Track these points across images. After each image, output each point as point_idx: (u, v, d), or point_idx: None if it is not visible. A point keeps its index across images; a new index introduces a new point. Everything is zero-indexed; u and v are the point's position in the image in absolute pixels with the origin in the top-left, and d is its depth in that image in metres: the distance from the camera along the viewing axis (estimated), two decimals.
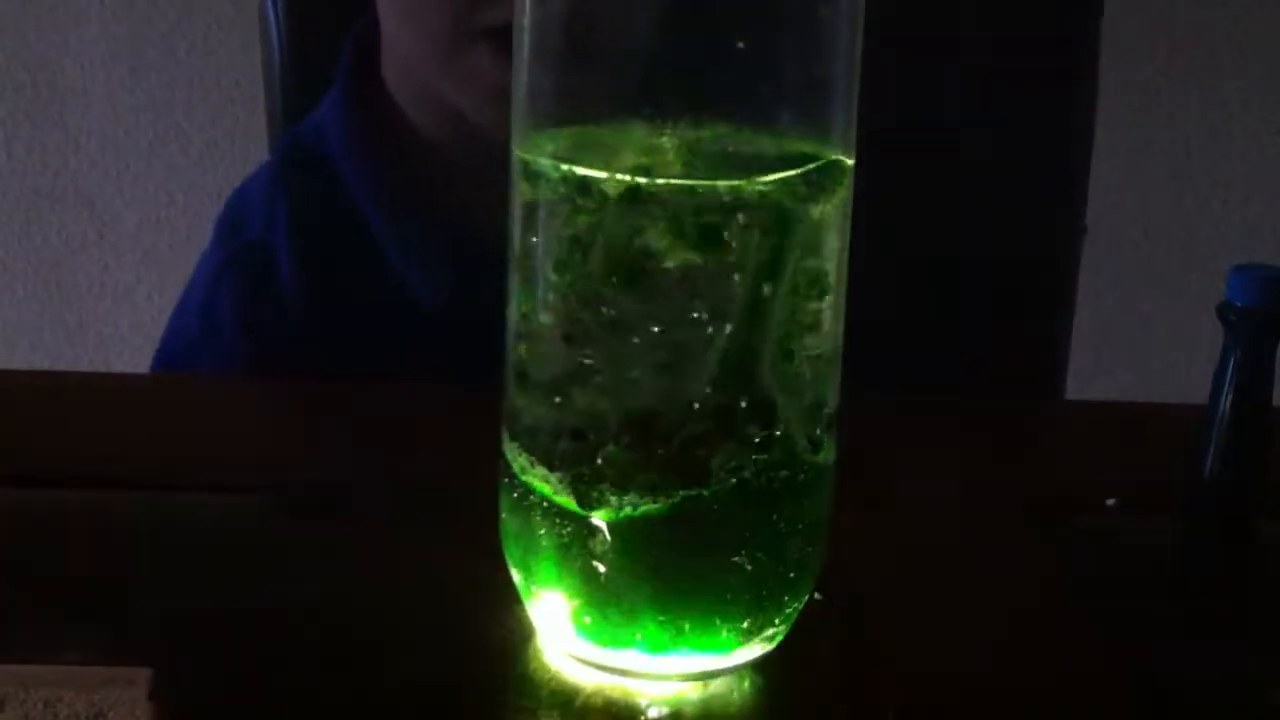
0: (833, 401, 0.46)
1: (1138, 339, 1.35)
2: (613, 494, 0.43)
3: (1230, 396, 0.59)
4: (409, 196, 0.73)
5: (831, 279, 0.44)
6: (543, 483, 0.44)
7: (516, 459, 0.45)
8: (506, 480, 0.46)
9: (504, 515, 0.47)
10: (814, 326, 0.44)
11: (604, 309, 0.43)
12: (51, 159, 1.46)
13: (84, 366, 1.45)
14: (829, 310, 0.44)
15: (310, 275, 0.73)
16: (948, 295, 0.86)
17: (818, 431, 0.45)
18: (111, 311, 1.49)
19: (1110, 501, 0.61)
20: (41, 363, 1.46)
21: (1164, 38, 1.38)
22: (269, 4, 0.87)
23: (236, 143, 1.43)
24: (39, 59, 1.44)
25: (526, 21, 0.44)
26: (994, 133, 0.88)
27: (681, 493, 0.43)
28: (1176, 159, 1.42)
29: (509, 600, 0.47)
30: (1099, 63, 0.91)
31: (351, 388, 0.69)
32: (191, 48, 1.42)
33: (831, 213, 0.44)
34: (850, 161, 0.45)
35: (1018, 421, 0.73)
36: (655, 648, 0.44)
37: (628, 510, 0.43)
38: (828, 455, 0.46)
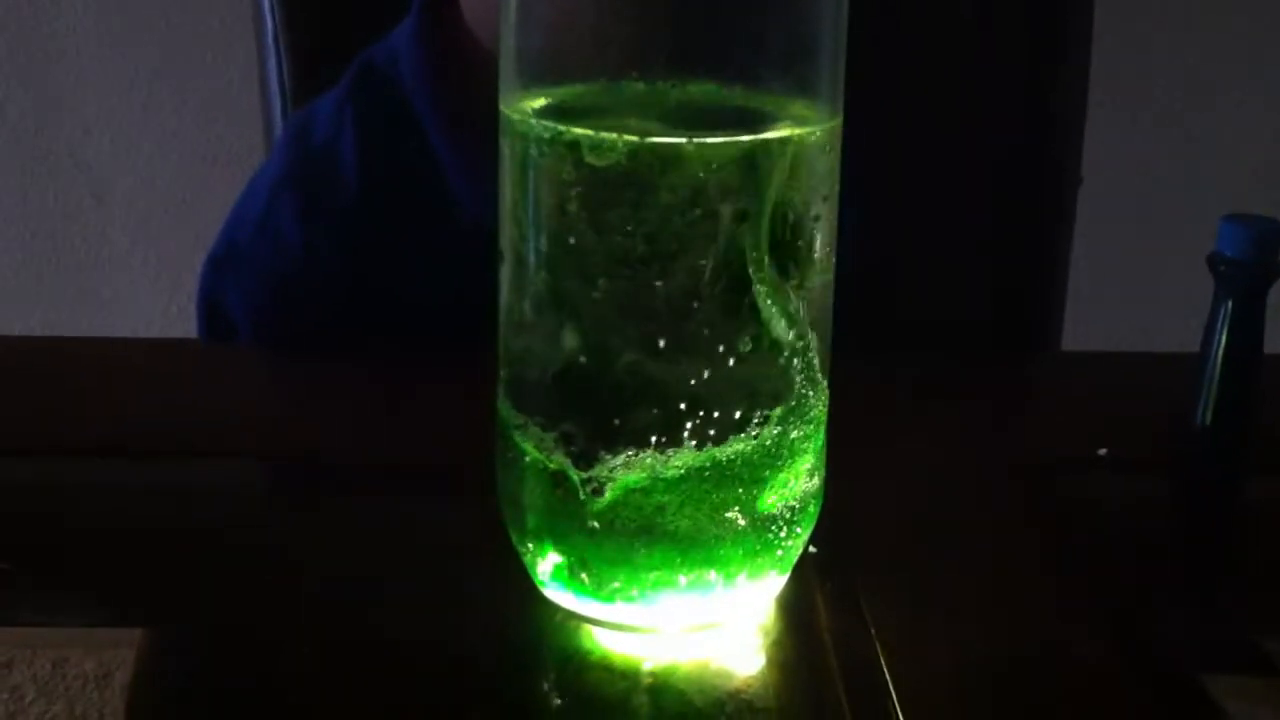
0: (825, 356, 0.46)
1: (1133, 288, 1.36)
2: (606, 450, 0.44)
3: (1221, 346, 0.60)
4: (474, 118, 0.74)
5: (821, 234, 0.45)
6: (536, 440, 0.45)
7: (510, 417, 0.46)
8: (501, 439, 0.47)
9: (499, 474, 0.47)
10: (804, 282, 0.44)
11: (594, 265, 0.43)
12: (46, 123, 1.46)
13: (81, 332, 1.45)
14: (819, 265, 0.45)
15: (371, 187, 0.75)
16: (943, 246, 0.86)
17: (812, 387, 0.45)
18: (110, 277, 1.49)
19: (1101, 451, 0.61)
20: (38, 329, 1.46)
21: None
22: None
23: (232, 106, 1.42)
24: (30, 20, 1.44)
25: None
26: (987, 84, 0.88)
27: (675, 449, 0.43)
28: (1170, 109, 1.42)
29: (508, 560, 0.48)
30: (1093, 11, 0.91)
31: (351, 360, 0.70)
32: (184, 8, 1.42)
33: (820, 166, 0.44)
34: (838, 119, 0.45)
35: (1011, 372, 0.74)
36: (650, 602, 0.45)
37: (621, 467, 0.43)
38: (822, 409, 0.46)
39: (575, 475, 0.44)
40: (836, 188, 0.45)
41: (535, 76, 0.45)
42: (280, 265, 0.75)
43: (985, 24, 0.89)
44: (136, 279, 1.48)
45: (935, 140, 0.85)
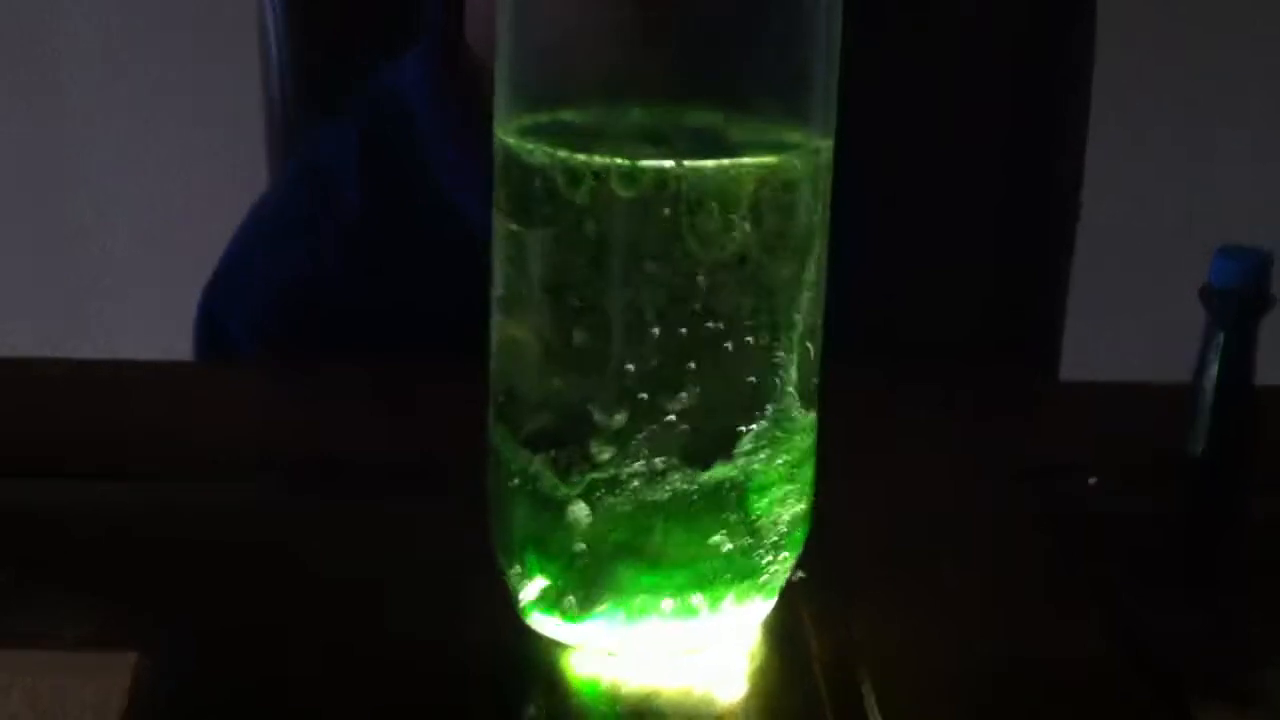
0: (815, 381, 0.46)
1: (1132, 315, 1.36)
2: (594, 473, 0.44)
3: (1214, 377, 0.60)
4: (479, 137, 0.75)
5: (813, 259, 0.45)
6: (524, 463, 0.45)
7: (500, 439, 0.46)
8: (491, 461, 0.47)
9: (490, 496, 0.47)
10: (796, 305, 0.44)
11: (582, 289, 0.43)
12: (48, 139, 1.47)
13: (84, 351, 1.46)
14: (810, 289, 0.45)
15: (374, 205, 0.77)
16: (942, 269, 0.87)
17: (800, 412, 0.45)
18: (112, 293, 1.49)
19: (1092, 480, 0.61)
20: (38, 348, 1.46)
21: (1157, 26, 1.39)
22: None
23: (236, 123, 1.43)
24: (32, 35, 1.45)
25: (509, 3, 0.44)
26: (986, 111, 0.89)
27: (663, 472, 0.43)
28: (1167, 141, 1.42)
29: (495, 583, 0.48)
30: (1094, 44, 0.92)
31: (352, 372, 0.70)
32: (187, 24, 1.42)
33: (813, 193, 0.45)
34: (829, 144, 0.45)
35: (1006, 399, 0.74)
36: (636, 626, 0.45)
37: (608, 490, 0.44)
38: (810, 434, 0.46)
39: (562, 497, 0.44)
40: (828, 214, 0.45)
41: (529, 100, 0.45)
42: (284, 282, 0.76)
43: (985, 51, 0.89)
44: (138, 297, 1.48)
45: (936, 164, 0.86)
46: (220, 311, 0.77)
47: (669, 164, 0.42)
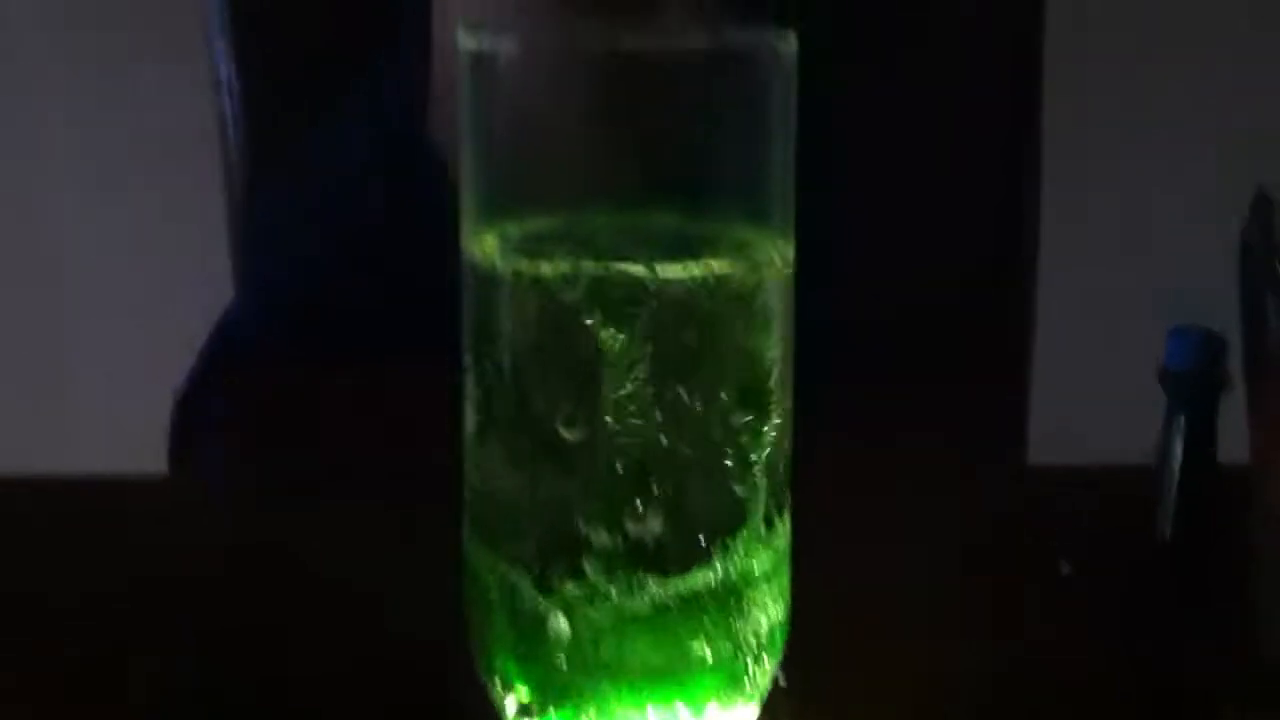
0: (787, 485, 0.46)
1: (1097, 393, 1.37)
2: (573, 586, 0.43)
3: (1177, 460, 0.60)
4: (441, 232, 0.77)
5: (776, 361, 0.45)
6: (502, 574, 0.45)
7: (475, 553, 0.46)
8: (467, 576, 0.46)
9: (467, 610, 0.47)
10: (768, 414, 0.45)
11: (550, 400, 0.43)
12: (19, 228, 1.46)
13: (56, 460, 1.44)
14: (778, 396, 0.45)
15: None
16: (904, 355, 0.87)
17: (775, 517, 0.45)
18: (83, 392, 1.48)
19: (1065, 570, 0.61)
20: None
21: (1109, 102, 1.42)
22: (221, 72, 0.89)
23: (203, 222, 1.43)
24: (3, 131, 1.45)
25: (467, 115, 0.44)
26: (945, 185, 0.90)
27: (641, 583, 0.43)
28: (1125, 210, 1.45)
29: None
30: (1041, 129, 0.94)
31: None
32: (152, 112, 1.43)
33: (772, 297, 0.45)
34: (789, 247, 0.46)
35: (972, 485, 0.74)
36: None
37: (588, 602, 0.43)
38: (785, 539, 0.46)
39: (541, 610, 0.44)
40: (792, 320, 0.46)
41: (495, 210, 0.45)
42: (239, 338, 0.75)
43: (942, 140, 0.91)
44: (111, 395, 1.46)
45: (891, 247, 0.87)
46: (191, 418, 0.77)
47: (637, 271, 0.43)
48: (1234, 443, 0.62)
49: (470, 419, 0.46)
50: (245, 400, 0.76)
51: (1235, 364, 0.58)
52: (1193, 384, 0.59)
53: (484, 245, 0.45)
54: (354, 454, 0.74)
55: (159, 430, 0.79)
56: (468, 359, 0.46)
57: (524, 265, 0.43)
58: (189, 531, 0.66)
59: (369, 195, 0.77)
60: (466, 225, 0.45)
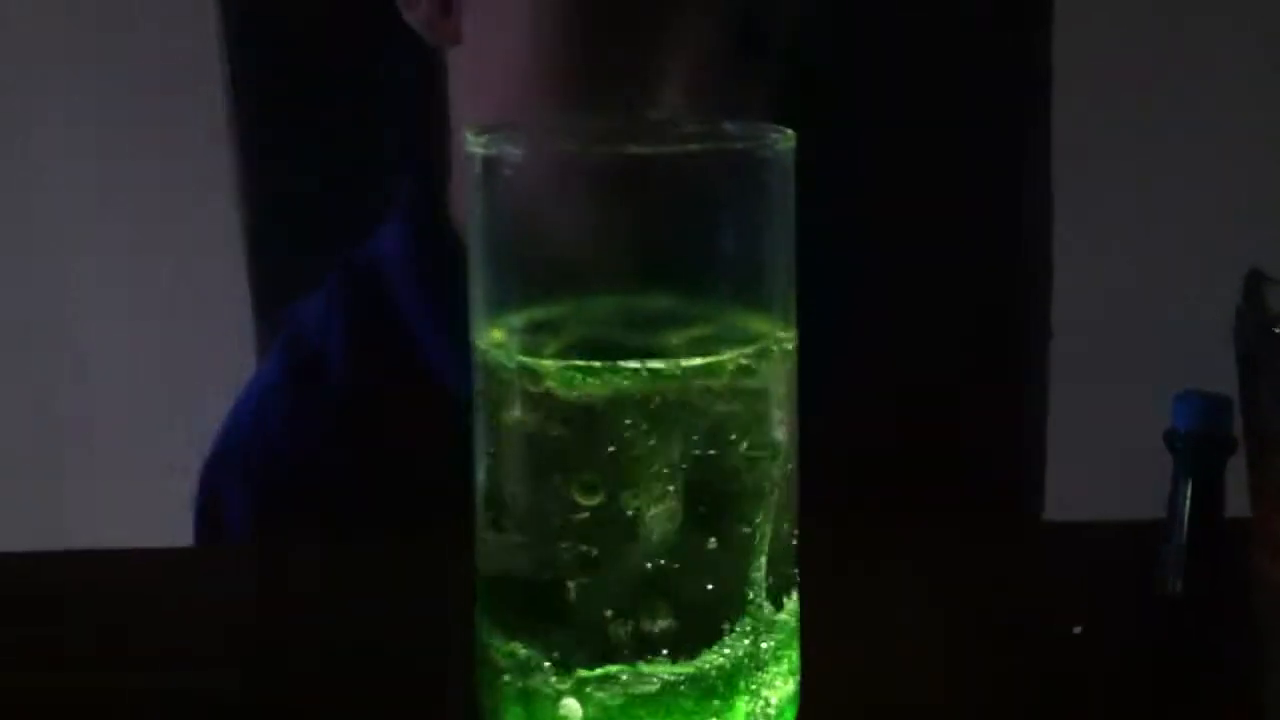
0: (794, 562, 0.47)
1: (1109, 446, 1.37)
2: (584, 669, 0.45)
3: (1185, 520, 0.61)
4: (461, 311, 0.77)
5: (783, 445, 0.46)
6: (514, 656, 0.46)
7: (486, 633, 0.47)
8: (479, 655, 0.48)
9: (479, 690, 0.48)
10: (774, 496, 0.46)
11: (567, 489, 0.44)
12: (31, 293, 1.48)
13: (66, 519, 1.45)
14: (784, 478, 0.46)
15: (360, 387, 0.79)
16: (916, 413, 0.88)
17: (784, 596, 0.46)
18: (91, 462, 1.50)
19: (1077, 630, 0.62)
20: (18, 515, 1.46)
21: (1119, 164, 1.42)
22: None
23: (218, 284, 1.45)
24: (17, 195, 1.46)
25: (476, 214, 0.46)
26: (951, 236, 0.91)
27: (651, 665, 0.44)
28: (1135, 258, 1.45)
29: None
30: (1051, 165, 0.94)
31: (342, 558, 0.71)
32: (168, 184, 1.44)
33: (777, 381, 0.46)
34: (791, 334, 0.47)
35: (983, 545, 0.75)
36: None
37: (599, 684, 0.44)
38: (794, 617, 0.47)
39: (553, 692, 0.45)
40: (795, 402, 0.47)
41: (503, 303, 0.47)
42: (273, 466, 0.77)
43: (948, 184, 0.92)
44: (122, 462, 1.48)
45: (901, 299, 0.88)
46: (214, 494, 0.78)
47: (642, 366, 0.44)
48: (1242, 498, 0.62)
49: (482, 507, 0.47)
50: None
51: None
52: (1199, 447, 0.60)
53: (492, 337, 0.46)
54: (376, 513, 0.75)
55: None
56: (478, 448, 0.47)
57: (529, 359, 0.44)
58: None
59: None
60: (475, 318, 0.47)
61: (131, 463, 1.48)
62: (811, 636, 0.48)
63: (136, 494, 1.41)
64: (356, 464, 0.77)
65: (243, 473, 0.78)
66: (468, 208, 0.46)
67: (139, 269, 1.47)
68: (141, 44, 1.40)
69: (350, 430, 0.78)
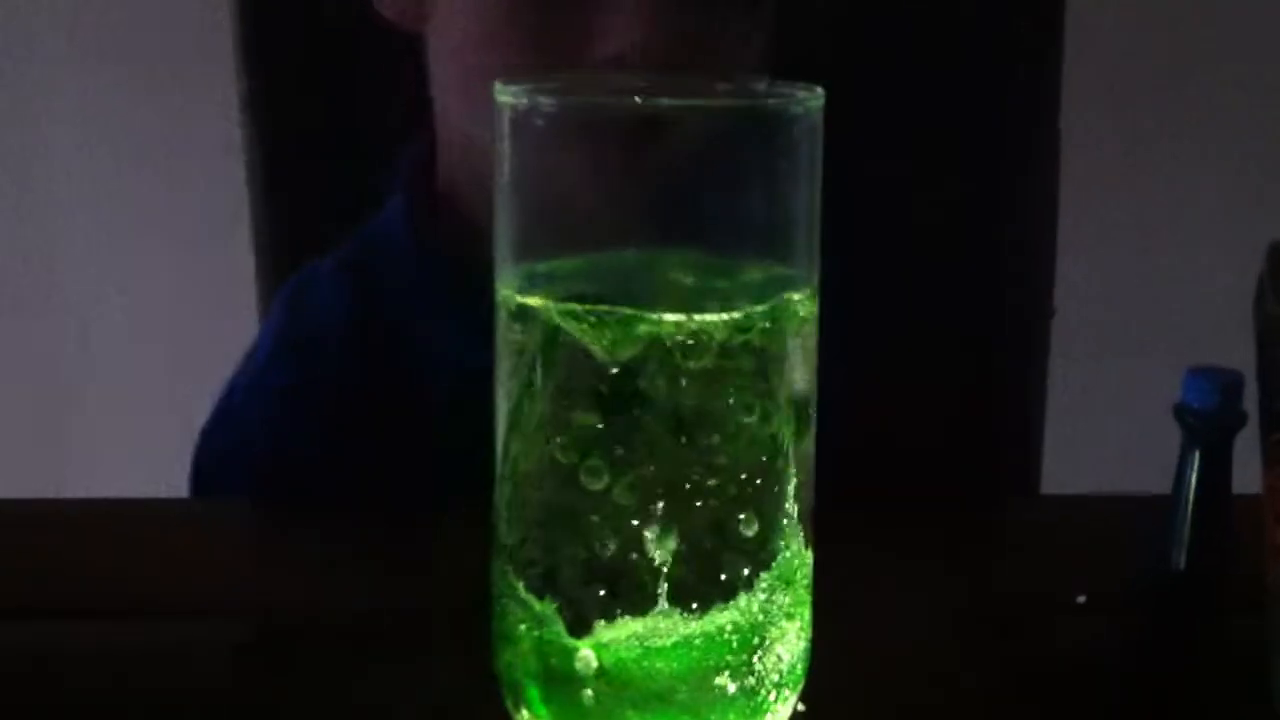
0: (810, 520, 0.48)
1: (1112, 422, 1.38)
2: (601, 621, 0.45)
3: (1191, 494, 0.61)
4: (464, 283, 0.77)
5: (801, 402, 0.47)
6: (532, 608, 0.46)
7: (504, 585, 0.47)
8: (496, 608, 0.48)
9: (495, 644, 0.48)
10: (791, 452, 0.46)
11: (588, 442, 0.45)
12: (33, 262, 1.48)
13: (66, 486, 1.45)
14: (804, 433, 0.46)
15: (361, 356, 0.79)
16: (916, 389, 0.88)
17: (799, 553, 0.47)
18: (94, 423, 1.50)
19: (1080, 599, 0.62)
20: (20, 479, 1.46)
21: (1125, 127, 1.42)
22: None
23: (221, 252, 1.45)
24: (19, 158, 1.46)
25: (503, 166, 0.46)
26: (957, 219, 0.91)
27: (668, 618, 0.45)
28: (1140, 242, 1.46)
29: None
30: (1060, 150, 0.94)
31: (343, 516, 0.71)
32: (171, 152, 1.44)
33: (800, 341, 0.46)
34: (813, 291, 0.47)
35: (986, 519, 0.75)
36: None
37: (615, 636, 0.45)
38: (808, 574, 0.48)
39: (570, 645, 0.45)
40: (815, 362, 0.47)
41: (526, 252, 0.47)
42: (274, 429, 0.77)
43: (954, 161, 0.92)
44: (123, 428, 1.48)
45: (907, 277, 0.88)
46: (214, 454, 0.78)
47: (655, 314, 0.44)
48: (1250, 474, 0.63)
49: (501, 456, 0.47)
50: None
51: (1251, 404, 0.60)
52: (1209, 422, 0.60)
53: (516, 286, 0.46)
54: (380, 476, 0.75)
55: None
56: (498, 397, 0.47)
57: (553, 304, 0.45)
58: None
59: None
60: (499, 266, 0.47)
61: (131, 431, 1.48)
62: (818, 609, 0.49)
63: (135, 462, 1.42)
64: (347, 440, 0.77)
65: (239, 443, 0.78)
66: (495, 160, 0.46)
67: (142, 237, 1.47)
68: (152, 9, 1.40)
69: (345, 409, 0.78)
